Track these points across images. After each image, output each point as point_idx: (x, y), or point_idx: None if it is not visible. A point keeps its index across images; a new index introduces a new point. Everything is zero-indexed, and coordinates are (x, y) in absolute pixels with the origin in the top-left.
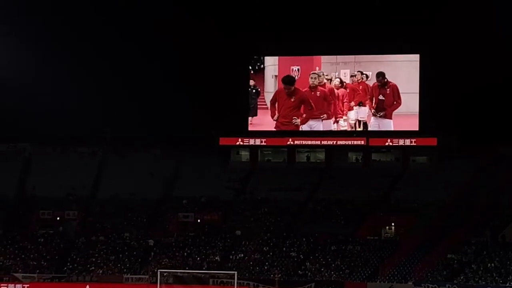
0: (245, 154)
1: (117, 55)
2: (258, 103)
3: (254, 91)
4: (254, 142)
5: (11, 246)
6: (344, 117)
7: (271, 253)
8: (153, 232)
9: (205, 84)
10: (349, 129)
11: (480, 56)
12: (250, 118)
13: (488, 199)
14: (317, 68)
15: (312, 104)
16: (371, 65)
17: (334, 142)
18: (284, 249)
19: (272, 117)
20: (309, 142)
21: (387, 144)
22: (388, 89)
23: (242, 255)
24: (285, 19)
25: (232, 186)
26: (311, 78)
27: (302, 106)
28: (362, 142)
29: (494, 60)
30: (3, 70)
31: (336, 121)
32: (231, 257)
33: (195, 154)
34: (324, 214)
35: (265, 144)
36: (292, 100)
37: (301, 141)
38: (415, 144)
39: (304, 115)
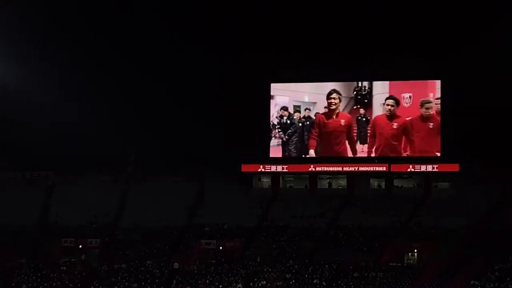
0: (267, 181)
1: (141, 84)
2: (368, 131)
3: (364, 119)
4: (276, 169)
5: (34, 274)
6: None
7: (293, 280)
8: (176, 259)
9: (227, 111)
10: None
11: (503, 80)
12: (361, 145)
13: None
14: (431, 94)
15: (414, 138)
16: None
17: (356, 168)
18: (306, 276)
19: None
20: (331, 169)
21: (409, 170)
22: None
23: (264, 282)
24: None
25: (254, 213)
26: (425, 107)
27: (403, 138)
28: (384, 169)
29: None
30: (26, 98)
31: None
32: (252, 284)
33: (217, 181)
34: (346, 240)
35: (286, 170)
36: (394, 126)
37: (322, 168)
38: (437, 170)
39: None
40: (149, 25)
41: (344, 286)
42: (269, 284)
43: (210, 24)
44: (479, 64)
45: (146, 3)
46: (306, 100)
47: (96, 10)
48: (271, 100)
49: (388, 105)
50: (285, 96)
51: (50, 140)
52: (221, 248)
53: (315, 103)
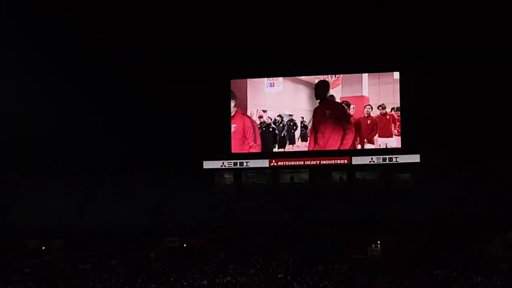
0: (229, 177)
1: (100, 82)
2: None
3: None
4: (238, 165)
5: None
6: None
7: (260, 275)
8: (140, 258)
9: (187, 108)
10: None
11: (464, 70)
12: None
13: (473, 213)
14: (367, 106)
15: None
16: None
17: (317, 162)
18: (271, 270)
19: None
20: (292, 163)
21: (370, 162)
22: None
23: (230, 278)
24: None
25: (218, 210)
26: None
27: None
28: (345, 161)
29: (478, 75)
30: None
31: None
32: (217, 280)
33: (180, 178)
34: (310, 234)
35: (248, 166)
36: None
37: (284, 162)
38: (398, 161)
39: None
40: (107, 21)
41: (308, 280)
42: (234, 280)
43: (172, 19)
44: (439, 55)
45: None
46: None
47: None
48: (264, 113)
49: None
50: (273, 111)
51: (14, 141)
52: (185, 245)
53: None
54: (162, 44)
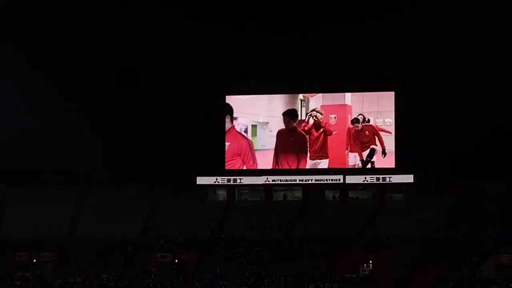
0: (222, 193)
1: (93, 95)
2: None
3: None
4: (231, 182)
5: None
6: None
7: None
8: (131, 273)
9: (182, 123)
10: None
11: (456, 92)
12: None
13: (466, 235)
14: (349, 116)
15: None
16: None
17: (311, 180)
18: None
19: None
20: (286, 181)
21: (363, 181)
22: None
23: None
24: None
25: (210, 226)
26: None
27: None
28: (339, 180)
29: (470, 97)
30: None
31: None
32: None
33: (172, 193)
34: (302, 252)
35: (242, 183)
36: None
37: (278, 180)
38: (391, 181)
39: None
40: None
41: None
42: None
43: (165, 31)
44: (433, 76)
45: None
46: (261, 120)
47: (37, 15)
48: (234, 121)
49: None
50: (245, 118)
51: (2, 153)
52: (176, 261)
53: (267, 123)
54: (156, 58)
